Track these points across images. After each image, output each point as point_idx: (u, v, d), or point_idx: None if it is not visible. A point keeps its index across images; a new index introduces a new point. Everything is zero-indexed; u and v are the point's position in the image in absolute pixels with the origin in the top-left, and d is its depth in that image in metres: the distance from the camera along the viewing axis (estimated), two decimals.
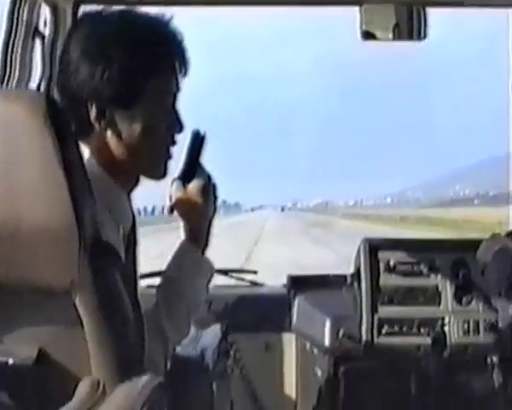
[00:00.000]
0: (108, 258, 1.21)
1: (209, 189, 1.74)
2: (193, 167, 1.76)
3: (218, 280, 3.00)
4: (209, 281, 1.76)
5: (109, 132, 1.56)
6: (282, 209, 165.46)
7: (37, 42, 2.47)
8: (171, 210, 1.75)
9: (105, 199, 1.52)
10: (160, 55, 1.58)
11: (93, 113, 1.54)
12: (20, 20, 2.39)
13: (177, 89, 1.64)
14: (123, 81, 1.53)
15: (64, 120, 1.13)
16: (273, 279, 3.26)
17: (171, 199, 1.74)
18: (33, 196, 1.08)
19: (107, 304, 1.17)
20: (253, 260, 19.06)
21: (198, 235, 1.72)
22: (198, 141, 1.77)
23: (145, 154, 1.59)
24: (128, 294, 1.24)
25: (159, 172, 1.66)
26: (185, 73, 1.64)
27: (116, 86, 1.53)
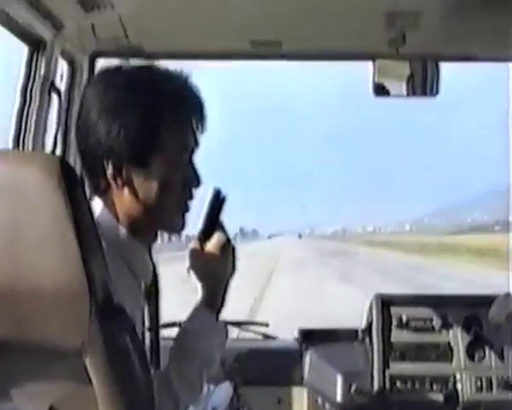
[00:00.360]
0: (118, 319, 1.21)
1: (228, 250, 1.72)
2: (212, 227, 1.73)
3: (230, 332, 3.00)
4: (223, 345, 1.74)
5: (126, 190, 1.55)
6: (300, 236, 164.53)
7: (54, 97, 2.51)
8: (189, 270, 1.73)
9: (124, 255, 1.54)
10: (177, 112, 1.57)
11: (109, 170, 1.53)
12: (36, 74, 2.43)
13: (195, 144, 1.63)
14: (139, 139, 1.52)
15: (78, 182, 1.14)
16: (286, 324, 3.24)
17: (189, 259, 1.73)
18: (44, 258, 1.10)
19: (117, 367, 1.17)
20: (264, 300, 18.40)
21: (214, 298, 1.71)
22: (218, 201, 1.75)
23: (162, 210, 1.58)
24: (139, 355, 1.24)
25: (177, 226, 1.64)
26: (202, 129, 1.63)
27: (132, 144, 1.52)
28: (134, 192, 1.56)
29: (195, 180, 1.63)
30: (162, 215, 1.60)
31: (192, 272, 1.73)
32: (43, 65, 2.44)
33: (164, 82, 1.59)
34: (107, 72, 1.64)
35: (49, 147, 2.49)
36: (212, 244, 1.71)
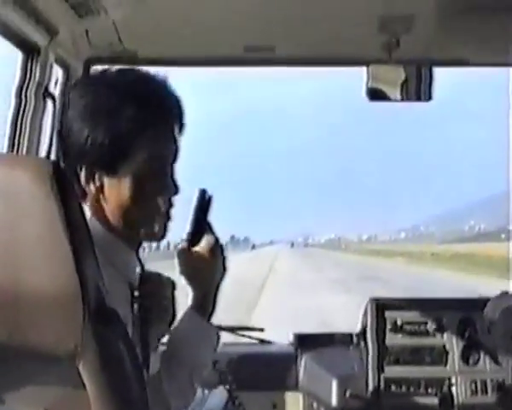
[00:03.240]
0: (112, 324, 1.22)
1: (217, 252, 1.74)
2: (200, 229, 1.74)
3: (225, 337, 3.06)
4: (215, 349, 1.76)
5: (100, 197, 1.58)
6: (292, 245, 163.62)
7: (49, 103, 2.56)
8: (181, 274, 1.75)
9: (110, 257, 1.55)
10: (151, 118, 1.57)
11: (82, 176, 1.57)
12: (31, 80, 2.47)
13: (175, 151, 1.65)
14: (107, 145, 1.54)
15: (70, 187, 1.16)
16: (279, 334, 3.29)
17: (179, 263, 1.74)
18: (37, 262, 1.12)
19: (111, 373, 1.18)
20: (256, 313, 17.77)
21: (204, 301, 1.73)
22: (204, 201, 1.76)
23: (138, 218, 1.60)
24: (132, 359, 1.25)
25: (156, 235, 1.65)
26: (180, 134, 1.65)
27: (100, 150, 1.54)
28: (107, 199, 1.58)
29: (172, 188, 1.64)
30: (138, 224, 1.61)
31: (182, 277, 1.74)
32: (37, 71, 2.46)
33: (140, 88, 1.59)
34: (87, 77, 1.72)
35: (43, 153, 2.54)
36: (202, 247, 1.73)
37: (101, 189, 1.57)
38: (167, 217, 1.65)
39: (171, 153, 1.64)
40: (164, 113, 1.60)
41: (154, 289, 1.70)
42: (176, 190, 1.64)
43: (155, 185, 1.60)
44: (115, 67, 1.68)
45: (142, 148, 1.57)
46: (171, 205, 1.65)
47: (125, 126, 1.55)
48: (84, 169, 1.56)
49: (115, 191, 1.57)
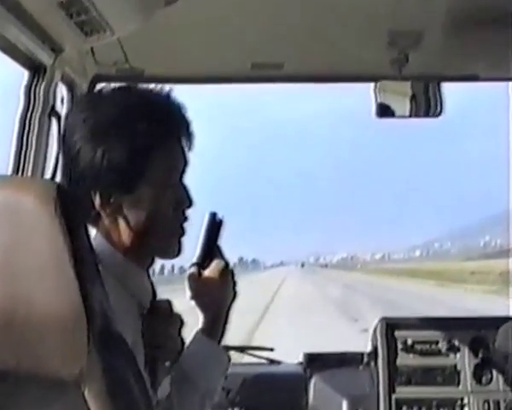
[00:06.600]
0: (118, 348, 1.22)
1: (227, 277, 1.77)
2: (209, 253, 1.78)
3: (234, 357, 3.09)
4: (225, 372, 1.78)
5: (116, 218, 1.57)
6: (302, 265, 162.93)
7: (54, 122, 2.60)
8: (191, 298, 1.77)
9: (121, 279, 1.57)
10: (162, 133, 1.58)
11: (97, 200, 1.55)
12: (36, 98, 2.51)
13: (184, 163, 1.65)
14: (124, 164, 1.53)
15: (75, 209, 1.16)
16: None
17: (189, 287, 1.77)
18: (41, 286, 1.12)
19: (117, 397, 1.18)
20: (259, 338, 17.08)
21: (215, 325, 1.76)
22: (215, 225, 1.80)
23: (156, 235, 1.60)
24: (139, 385, 1.25)
25: (172, 252, 1.65)
26: (190, 147, 1.64)
27: (117, 171, 1.53)
28: (125, 220, 1.57)
29: (187, 201, 1.64)
30: (156, 241, 1.62)
31: (192, 301, 1.77)
32: (42, 89, 2.50)
33: (147, 103, 1.60)
34: (87, 96, 1.72)
35: (49, 172, 2.58)
36: (211, 271, 1.76)
37: (118, 211, 1.57)
38: (182, 232, 1.66)
39: (182, 164, 1.65)
40: (172, 124, 1.61)
41: (163, 320, 1.70)
42: (190, 202, 1.65)
43: (172, 198, 1.61)
44: (116, 84, 1.69)
45: (156, 162, 1.57)
46: (185, 219, 1.65)
47: (140, 143, 1.54)
48: (98, 193, 1.55)
49: (133, 211, 1.57)
